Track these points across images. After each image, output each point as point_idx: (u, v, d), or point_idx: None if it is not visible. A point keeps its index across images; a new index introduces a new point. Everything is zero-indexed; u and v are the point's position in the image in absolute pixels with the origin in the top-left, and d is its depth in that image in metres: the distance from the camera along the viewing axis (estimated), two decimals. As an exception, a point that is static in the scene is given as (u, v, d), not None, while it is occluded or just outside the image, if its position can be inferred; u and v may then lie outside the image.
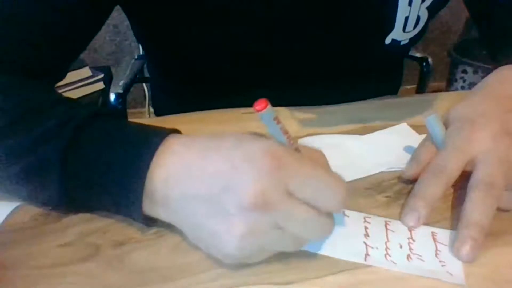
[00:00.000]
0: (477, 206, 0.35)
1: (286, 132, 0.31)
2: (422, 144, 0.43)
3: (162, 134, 0.34)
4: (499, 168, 0.36)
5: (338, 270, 0.32)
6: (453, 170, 0.37)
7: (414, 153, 0.43)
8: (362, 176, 0.42)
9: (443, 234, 0.35)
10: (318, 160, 0.33)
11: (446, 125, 0.42)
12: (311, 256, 0.33)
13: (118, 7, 0.53)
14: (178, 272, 0.32)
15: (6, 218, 0.37)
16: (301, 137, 0.48)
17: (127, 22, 0.59)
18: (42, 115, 0.36)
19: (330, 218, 0.31)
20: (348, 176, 0.42)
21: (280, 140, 0.31)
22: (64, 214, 0.38)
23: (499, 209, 0.36)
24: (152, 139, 0.33)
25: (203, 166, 0.31)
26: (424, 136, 0.44)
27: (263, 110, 0.29)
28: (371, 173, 0.43)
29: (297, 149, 0.32)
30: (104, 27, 0.52)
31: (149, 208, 0.33)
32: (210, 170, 0.30)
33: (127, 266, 0.33)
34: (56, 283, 0.32)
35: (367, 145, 0.47)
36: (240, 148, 0.30)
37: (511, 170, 0.37)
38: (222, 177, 0.30)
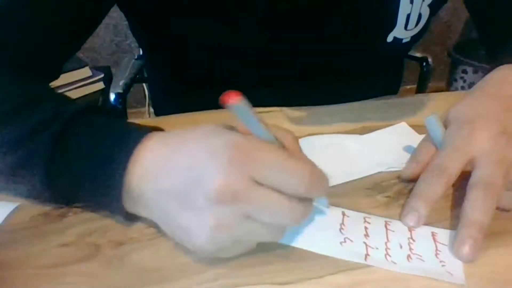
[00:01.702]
0: (477, 206, 0.35)
1: (261, 121, 0.31)
2: (421, 144, 0.43)
3: (142, 131, 0.34)
4: (498, 168, 0.36)
5: (338, 270, 0.32)
6: (453, 170, 0.37)
7: (414, 153, 0.43)
8: (362, 176, 0.42)
9: (443, 234, 0.35)
10: (288, 143, 0.33)
11: (445, 125, 0.42)
12: (311, 256, 0.33)
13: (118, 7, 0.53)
14: (178, 272, 0.32)
15: (6, 218, 0.37)
16: (301, 137, 0.48)
17: (127, 22, 0.59)
18: (34, 110, 0.37)
19: (302, 203, 0.30)
20: (348, 176, 0.42)
21: (257, 130, 0.31)
22: (64, 213, 0.38)
23: (499, 209, 0.36)
24: (133, 136, 0.34)
25: (173, 161, 0.32)
26: (424, 136, 0.44)
27: (236, 103, 0.28)
28: (371, 173, 0.43)
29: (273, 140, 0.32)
30: (104, 27, 0.52)
31: (129, 204, 0.34)
32: (179, 165, 0.31)
33: (127, 266, 0.33)
34: (56, 283, 0.32)
35: (367, 145, 0.47)
36: (206, 141, 0.31)
37: (510, 169, 0.37)
38: (189, 171, 0.30)
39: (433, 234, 0.35)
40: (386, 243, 0.34)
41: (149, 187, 0.32)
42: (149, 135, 0.34)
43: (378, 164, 0.44)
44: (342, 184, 0.41)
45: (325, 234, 0.35)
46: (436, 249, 0.34)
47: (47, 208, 0.38)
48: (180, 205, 0.30)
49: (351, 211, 0.37)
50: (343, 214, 0.37)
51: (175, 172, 0.31)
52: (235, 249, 0.31)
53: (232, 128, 0.32)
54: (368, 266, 0.33)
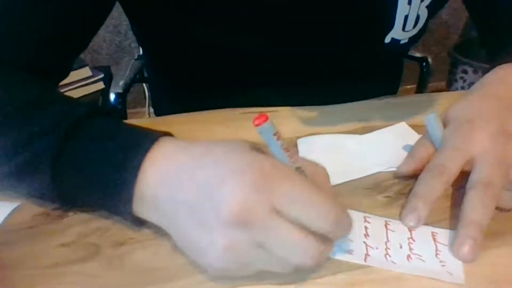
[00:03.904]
0: (476, 206, 0.35)
1: (287, 150, 0.30)
2: (419, 141, 0.43)
3: (155, 135, 0.34)
4: (497, 168, 0.36)
5: (337, 270, 0.32)
6: (453, 170, 0.37)
7: (411, 150, 0.43)
8: (361, 175, 0.42)
9: (443, 234, 0.35)
10: (318, 179, 0.32)
11: (444, 124, 0.42)
12: (311, 256, 0.33)
13: (118, 7, 0.53)
14: (178, 272, 0.32)
15: (6, 218, 0.37)
16: (301, 136, 0.48)
17: (127, 22, 0.59)
18: (39, 112, 0.37)
19: (323, 244, 0.28)
20: (348, 176, 0.42)
21: (279, 156, 0.30)
22: (64, 213, 0.38)
23: (499, 209, 0.36)
24: (145, 140, 0.33)
25: (193, 173, 0.30)
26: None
27: (261, 124, 0.28)
28: (371, 173, 0.43)
29: (299, 169, 0.30)
30: (104, 27, 0.52)
31: (140, 209, 0.33)
32: (199, 177, 0.30)
33: (127, 266, 0.33)
34: (56, 283, 0.32)
35: (367, 145, 0.47)
36: (231, 159, 0.29)
37: (509, 169, 0.37)
38: (209, 187, 0.29)
39: (433, 234, 0.35)
40: (386, 243, 0.34)
41: (165, 194, 0.31)
42: (162, 140, 0.33)
43: (378, 164, 0.44)
44: (342, 184, 0.41)
45: None
46: (436, 249, 0.34)
47: (47, 208, 0.38)
48: (194, 219, 0.29)
49: (351, 211, 0.37)
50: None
51: (193, 184, 0.30)
52: (244, 271, 0.30)
53: (258, 149, 0.31)
54: (368, 266, 0.33)
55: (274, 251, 0.28)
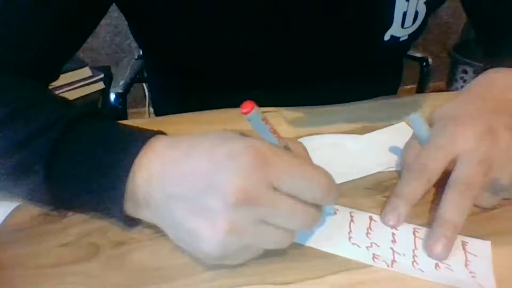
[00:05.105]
0: (451, 206, 0.35)
1: (275, 132, 0.31)
2: (407, 144, 0.42)
3: (146, 135, 0.34)
4: (479, 168, 0.36)
5: (338, 270, 0.32)
6: (434, 169, 0.37)
7: (402, 155, 0.42)
8: (361, 176, 0.42)
9: (472, 244, 0.34)
10: (301, 154, 0.34)
11: (430, 124, 0.42)
12: (311, 256, 0.33)
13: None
14: (178, 272, 0.32)
15: (6, 218, 0.37)
16: (301, 137, 0.48)
17: (127, 22, 0.59)
18: (34, 114, 0.37)
19: (317, 209, 0.31)
20: (348, 176, 0.42)
21: (269, 139, 0.31)
22: (64, 213, 0.38)
23: (480, 208, 0.37)
24: (136, 140, 0.34)
25: (185, 165, 0.31)
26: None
27: (250, 112, 0.29)
28: (371, 173, 0.43)
29: (286, 147, 0.32)
30: (104, 27, 0.52)
31: (133, 209, 0.33)
32: (193, 168, 0.31)
33: (127, 266, 0.33)
34: (56, 283, 0.32)
35: (366, 145, 0.47)
36: (223, 146, 0.31)
37: (491, 170, 0.36)
38: (205, 175, 0.30)
39: (463, 244, 0.34)
40: (413, 250, 0.34)
41: (158, 191, 0.31)
42: (153, 139, 0.34)
43: (378, 164, 0.44)
44: (342, 184, 0.41)
45: (353, 239, 0.35)
46: (466, 259, 0.33)
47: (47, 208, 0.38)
48: (190, 209, 0.30)
49: (378, 216, 0.37)
50: (370, 218, 0.37)
51: (188, 176, 0.30)
52: (241, 256, 0.31)
53: (246, 135, 0.32)
54: (368, 266, 0.33)
55: (276, 222, 0.30)
